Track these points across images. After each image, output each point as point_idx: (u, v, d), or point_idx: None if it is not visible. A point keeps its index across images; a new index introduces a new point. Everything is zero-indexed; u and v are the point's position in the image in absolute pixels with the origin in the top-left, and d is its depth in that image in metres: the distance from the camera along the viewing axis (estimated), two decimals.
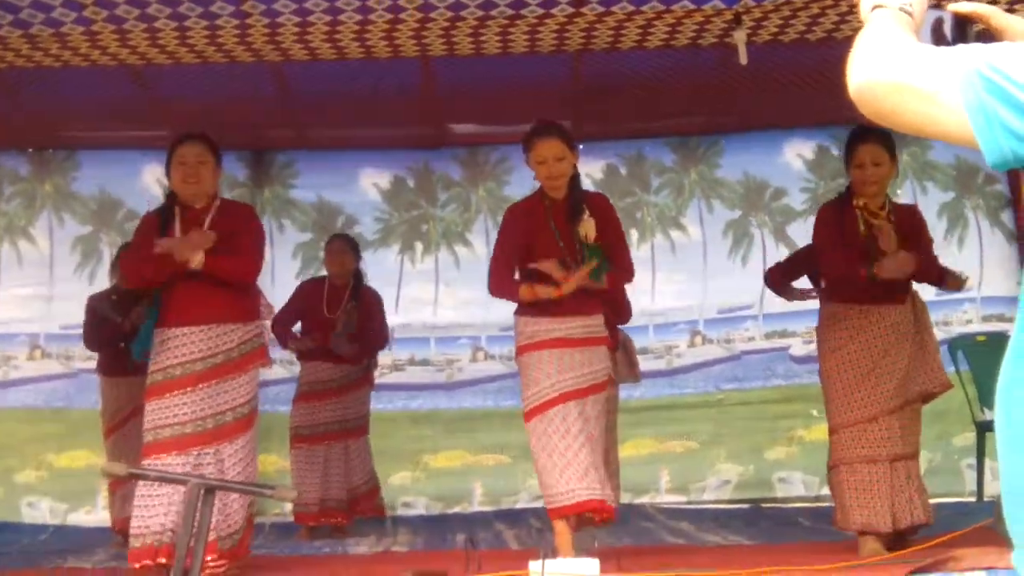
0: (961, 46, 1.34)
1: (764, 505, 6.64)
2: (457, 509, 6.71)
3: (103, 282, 6.11)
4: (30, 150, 6.46)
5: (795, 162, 7.10)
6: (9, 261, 6.71)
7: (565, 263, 4.07)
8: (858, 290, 4.22)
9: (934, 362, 4.33)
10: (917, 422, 4.30)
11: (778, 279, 5.23)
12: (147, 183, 6.55)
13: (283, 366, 6.85)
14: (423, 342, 6.99)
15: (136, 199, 6.51)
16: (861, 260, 4.20)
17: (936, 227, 6.35)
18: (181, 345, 4.00)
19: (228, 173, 6.88)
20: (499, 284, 4.19)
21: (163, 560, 3.80)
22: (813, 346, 6.85)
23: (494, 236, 6.98)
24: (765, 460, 6.88)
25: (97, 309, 5.52)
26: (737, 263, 7.06)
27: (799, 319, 6.75)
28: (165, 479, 3.49)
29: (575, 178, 4.22)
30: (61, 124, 6.18)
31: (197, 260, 3.99)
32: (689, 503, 6.70)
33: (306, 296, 5.82)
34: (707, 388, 7.03)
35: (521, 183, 6.54)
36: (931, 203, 6.72)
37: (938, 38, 1.47)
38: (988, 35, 1.47)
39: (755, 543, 4.90)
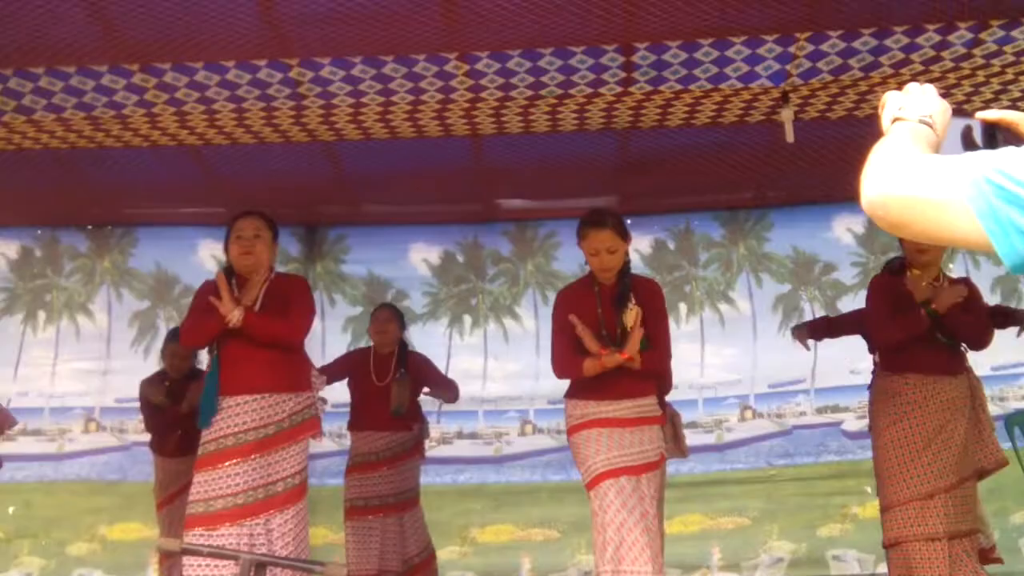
0: (968, 154, 1.34)
1: None
2: None
3: (158, 357, 6.21)
4: (90, 227, 6.62)
5: (845, 236, 7.07)
6: (67, 336, 6.85)
7: (602, 339, 4.11)
8: (914, 361, 4.18)
9: (989, 438, 4.27)
10: (974, 498, 4.22)
11: (818, 328, 5.27)
12: (203, 259, 6.68)
13: (332, 439, 6.88)
14: (471, 415, 7.00)
15: (192, 275, 6.64)
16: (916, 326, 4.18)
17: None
18: (234, 415, 4.04)
19: (281, 248, 6.98)
20: (563, 364, 4.21)
21: None
22: (866, 421, 6.81)
23: (542, 310, 7.13)
24: (818, 537, 6.76)
25: (149, 397, 5.62)
26: (787, 337, 6.98)
27: (851, 394, 6.68)
28: (217, 555, 3.51)
29: (626, 264, 4.26)
30: (121, 202, 6.34)
31: (236, 316, 4.04)
32: None
33: (355, 363, 5.85)
34: (758, 463, 6.94)
35: (569, 258, 6.61)
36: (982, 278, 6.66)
37: (968, 145, 1.47)
38: (1017, 139, 1.46)
39: None
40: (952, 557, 4.03)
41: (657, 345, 4.20)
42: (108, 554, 6.57)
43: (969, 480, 4.19)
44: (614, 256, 4.15)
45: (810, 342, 5.56)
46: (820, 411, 6.94)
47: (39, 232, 6.90)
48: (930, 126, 1.43)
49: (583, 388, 4.14)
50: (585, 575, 6.75)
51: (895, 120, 1.44)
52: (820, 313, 7.01)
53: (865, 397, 6.88)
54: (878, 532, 6.35)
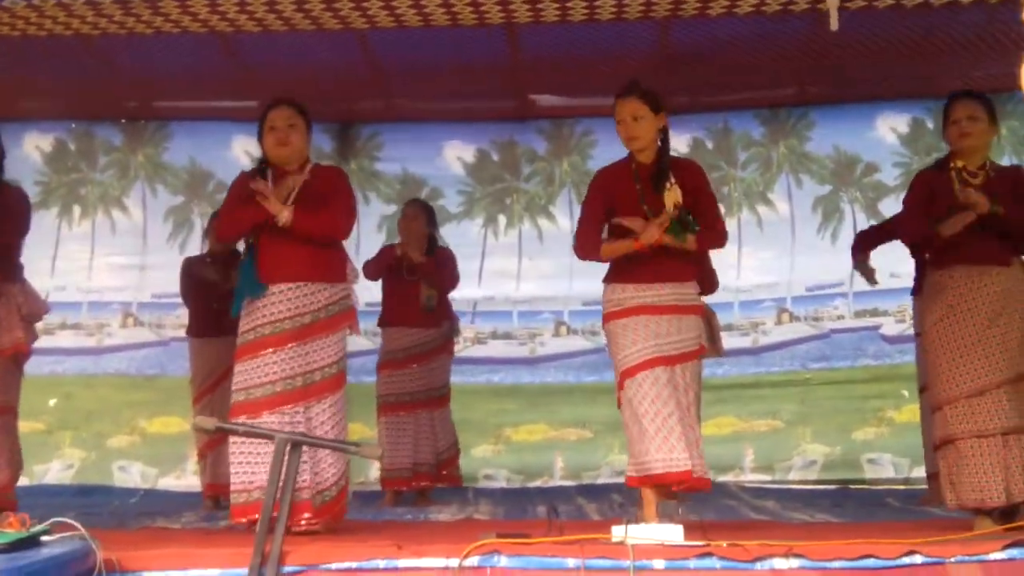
0: None
1: (852, 486, 6.51)
2: (538, 483, 6.71)
3: (195, 252, 6.23)
4: (123, 120, 6.61)
5: (888, 136, 6.92)
6: (103, 230, 6.89)
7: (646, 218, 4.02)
8: (960, 253, 4.07)
9: None
10: None
11: (864, 244, 5.16)
12: (236, 154, 6.65)
13: (368, 337, 6.91)
14: (506, 315, 7.00)
15: (226, 170, 6.60)
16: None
17: None
18: (271, 304, 4.04)
19: (315, 146, 6.90)
20: (584, 245, 4.14)
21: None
22: (905, 325, 6.76)
23: (577, 210, 7.02)
24: (853, 441, 6.75)
25: (193, 270, 5.64)
26: (826, 240, 6.93)
27: (891, 297, 6.61)
28: (252, 434, 3.54)
29: (664, 143, 4.14)
30: (154, 94, 6.32)
31: (285, 216, 4.02)
32: (774, 482, 6.60)
33: (386, 257, 5.83)
34: (793, 366, 6.91)
35: (605, 157, 6.47)
36: None
37: None
38: None
39: (843, 521, 4.80)
40: (1007, 455, 3.95)
41: (708, 223, 4.11)
42: (147, 447, 6.70)
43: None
44: (639, 124, 4.03)
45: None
46: (859, 315, 6.88)
47: (73, 125, 6.90)
48: None
49: (623, 271, 4.05)
50: (618, 474, 6.79)
51: None
52: (861, 216, 6.91)
53: (905, 300, 6.86)
54: (914, 436, 6.34)
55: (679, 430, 3.90)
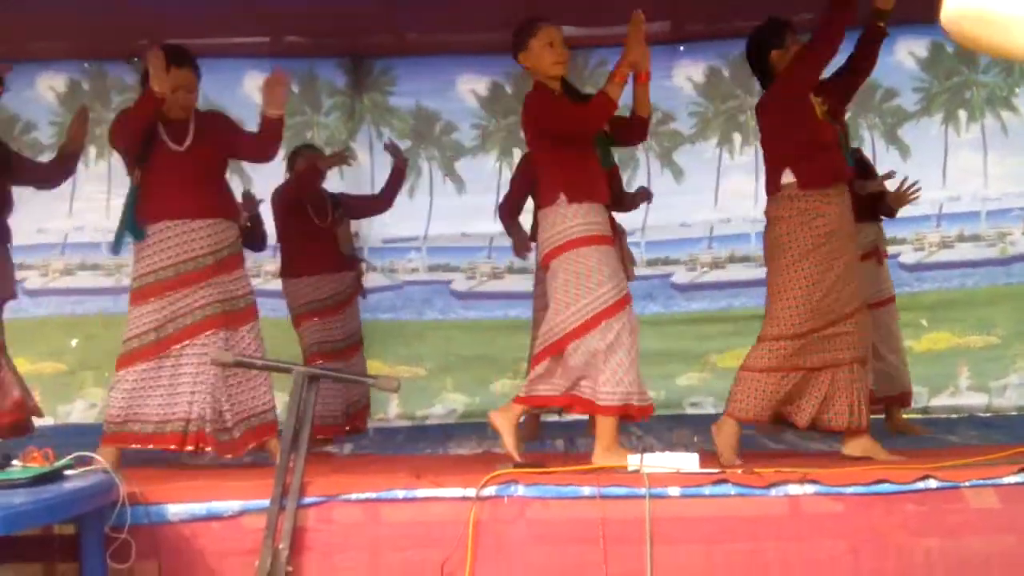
0: None
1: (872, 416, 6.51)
2: (555, 416, 6.73)
3: None
4: (136, 59, 6.55)
5: (907, 61, 6.81)
6: (119, 171, 6.59)
7: None
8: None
9: None
10: None
11: None
12: (248, 91, 6.60)
13: (384, 274, 6.95)
14: None
15: (239, 107, 6.54)
16: None
17: None
18: (189, 241, 4.12)
19: (327, 80, 6.96)
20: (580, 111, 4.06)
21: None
22: (921, 254, 6.73)
23: None
24: None
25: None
26: None
27: (907, 225, 6.56)
28: (271, 368, 3.57)
29: None
30: (165, 32, 6.24)
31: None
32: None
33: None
34: None
35: None
36: None
37: None
38: None
39: None
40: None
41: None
42: None
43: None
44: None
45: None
46: None
47: (86, 65, 6.87)
48: None
49: (593, 191, 3.92)
50: None
51: None
52: (880, 142, 6.83)
53: (921, 228, 6.81)
54: (933, 366, 6.35)
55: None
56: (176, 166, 4.15)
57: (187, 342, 4.05)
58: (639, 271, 5.66)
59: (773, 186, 4.08)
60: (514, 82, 6.96)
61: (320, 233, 5.50)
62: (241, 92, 6.73)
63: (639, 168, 6.93)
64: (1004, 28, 1.31)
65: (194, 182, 4.14)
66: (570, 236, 3.82)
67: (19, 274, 5.01)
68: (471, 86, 6.96)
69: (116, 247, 4.32)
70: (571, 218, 3.83)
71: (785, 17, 4.28)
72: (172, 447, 4.06)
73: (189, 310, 4.09)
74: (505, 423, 3.87)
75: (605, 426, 3.80)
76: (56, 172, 4.83)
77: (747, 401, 3.94)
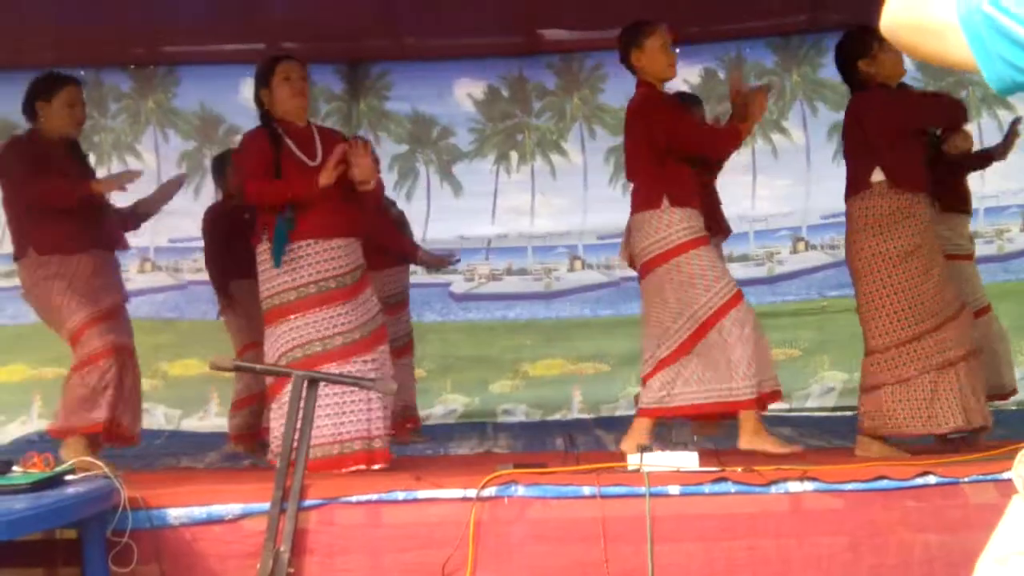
0: None
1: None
2: (556, 416, 6.76)
3: (208, 195, 6.24)
4: (132, 67, 6.59)
5: (905, 60, 6.81)
6: None
7: None
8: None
9: None
10: None
11: None
12: (245, 98, 6.59)
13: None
14: (520, 251, 7.01)
15: (236, 114, 6.60)
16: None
17: None
18: (329, 259, 3.99)
19: (323, 86, 6.96)
20: (715, 136, 4.28)
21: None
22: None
23: (589, 144, 7.02)
24: None
25: (219, 221, 5.54)
26: (842, 167, 6.81)
27: None
28: (269, 372, 3.58)
29: None
30: (161, 40, 6.29)
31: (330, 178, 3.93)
32: (791, 411, 6.62)
33: None
34: (810, 295, 6.90)
35: (616, 90, 6.44)
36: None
37: None
38: None
39: None
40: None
41: None
42: (169, 389, 6.76)
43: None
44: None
45: None
46: None
47: (82, 72, 6.84)
48: None
49: (688, 194, 4.02)
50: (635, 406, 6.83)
51: None
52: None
53: None
54: None
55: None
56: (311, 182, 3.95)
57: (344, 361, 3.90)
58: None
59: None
60: (509, 86, 7.00)
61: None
62: (238, 99, 6.74)
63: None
64: (938, 35, 1.35)
65: (334, 199, 3.97)
66: (676, 241, 3.96)
67: (17, 280, 5.01)
68: (468, 90, 6.99)
69: (276, 261, 4.02)
70: (677, 223, 3.96)
71: (872, 24, 4.28)
72: (362, 467, 3.88)
73: (339, 331, 3.95)
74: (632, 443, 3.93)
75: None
76: (123, 223, 4.75)
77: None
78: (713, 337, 3.92)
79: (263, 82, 4.12)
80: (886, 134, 4.05)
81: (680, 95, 4.89)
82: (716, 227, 5.18)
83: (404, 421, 5.49)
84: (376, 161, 5.74)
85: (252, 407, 5.25)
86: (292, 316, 3.91)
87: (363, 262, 4.09)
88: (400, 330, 5.50)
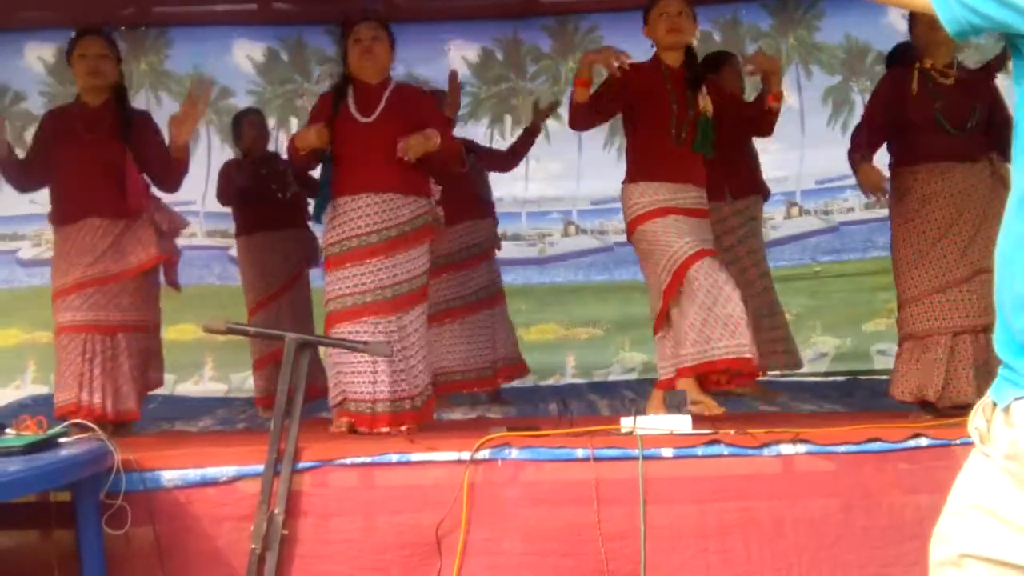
0: None
1: (862, 377, 6.55)
2: (550, 381, 6.77)
3: (202, 159, 6.20)
4: (123, 28, 6.51)
5: (901, 24, 6.73)
6: None
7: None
8: (920, 151, 4.06)
9: None
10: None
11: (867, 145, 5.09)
12: (238, 60, 6.58)
13: None
14: (514, 217, 6.98)
15: (229, 75, 6.57)
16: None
17: None
18: (359, 216, 3.98)
19: (316, 47, 6.91)
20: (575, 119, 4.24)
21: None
22: None
23: None
24: (863, 332, 6.77)
25: (233, 175, 5.56)
26: (837, 131, 6.84)
27: None
28: (264, 335, 3.58)
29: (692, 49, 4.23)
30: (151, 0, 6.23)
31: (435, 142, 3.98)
32: (784, 375, 6.64)
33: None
34: (803, 260, 6.90)
35: None
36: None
37: None
38: None
39: (852, 410, 4.84)
40: (954, 351, 4.00)
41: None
42: (164, 353, 6.73)
43: (984, 273, 3.98)
44: (684, 20, 4.13)
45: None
46: (868, 207, 6.81)
47: (73, 34, 6.81)
48: None
49: (652, 171, 4.11)
50: (628, 371, 6.85)
51: None
52: None
53: None
54: None
55: (737, 314, 4.01)
56: (359, 138, 4.01)
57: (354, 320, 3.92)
58: None
59: None
60: (503, 48, 6.95)
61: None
62: (231, 60, 6.71)
63: None
64: None
65: (380, 155, 3.98)
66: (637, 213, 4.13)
67: (12, 244, 5.01)
68: (462, 53, 6.93)
69: (317, 217, 4.17)
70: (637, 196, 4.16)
71: None
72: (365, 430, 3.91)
73: (352, 291, 3.95)
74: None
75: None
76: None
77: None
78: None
79: (342, 44, 4.21)
80: None
81: (711, 55, 4.97)
82: (754, 188, 5.23)
83: (501, 371, 5.51)
84: (448, 122, 5.67)
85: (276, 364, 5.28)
86: (330, 270, 4.02)
87: (405, 221, 4.02)
88: (482, 281, 5.43)
